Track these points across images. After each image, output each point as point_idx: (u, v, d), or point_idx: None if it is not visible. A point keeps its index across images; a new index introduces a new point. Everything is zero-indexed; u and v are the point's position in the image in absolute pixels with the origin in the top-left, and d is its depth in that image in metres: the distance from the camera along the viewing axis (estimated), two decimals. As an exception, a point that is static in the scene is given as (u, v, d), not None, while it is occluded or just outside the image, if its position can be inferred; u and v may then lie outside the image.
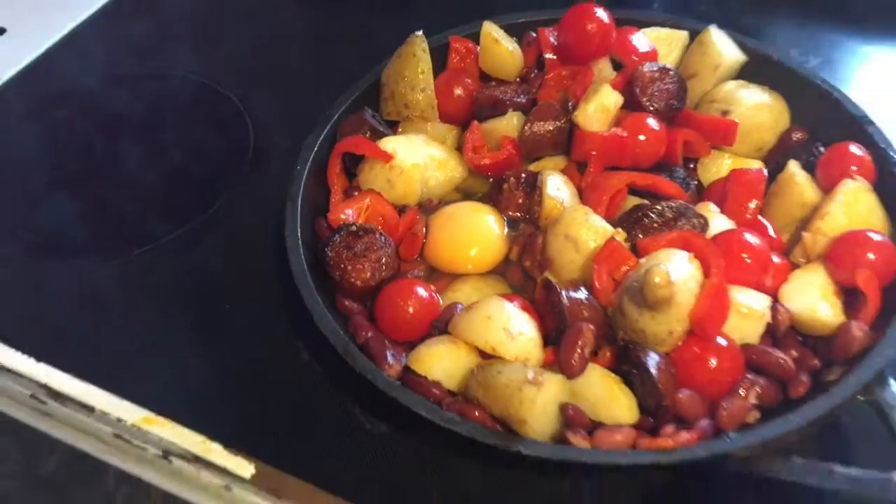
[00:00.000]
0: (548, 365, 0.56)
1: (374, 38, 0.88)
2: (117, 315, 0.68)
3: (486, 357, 0.56)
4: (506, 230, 0.65)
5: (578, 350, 0.54)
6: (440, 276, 0.65)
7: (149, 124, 0.84)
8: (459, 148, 0.71)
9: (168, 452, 0.60)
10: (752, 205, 0.65)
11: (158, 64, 0.91)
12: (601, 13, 0.72)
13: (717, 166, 0.70)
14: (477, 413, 0.53)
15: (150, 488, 0.63)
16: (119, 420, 0.61)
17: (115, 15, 0.96)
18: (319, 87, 0.82)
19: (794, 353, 0.57)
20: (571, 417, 0.52)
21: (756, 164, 0.69)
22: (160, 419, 0.60)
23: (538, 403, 0.51)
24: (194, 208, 0.74)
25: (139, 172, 0.80)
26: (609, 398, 0.54)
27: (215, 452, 0.59)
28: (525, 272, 0.64)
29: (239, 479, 0.58)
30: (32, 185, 0.80)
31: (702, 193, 0.69)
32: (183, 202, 0.76)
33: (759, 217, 0.64)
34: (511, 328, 0.55)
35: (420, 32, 0.73)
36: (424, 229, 0.65)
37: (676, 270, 0.54)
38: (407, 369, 0.56)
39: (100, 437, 0.64)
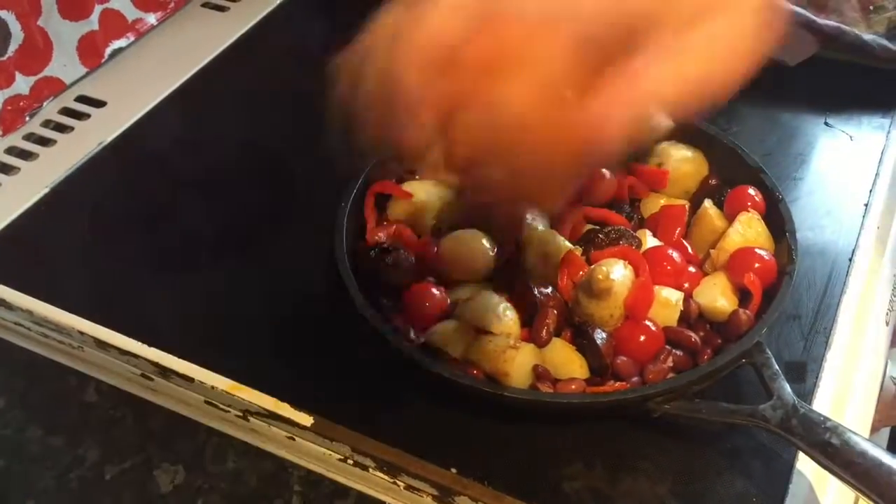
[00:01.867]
0: (524, 339, 0.78)
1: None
2: (205, 313, 0.88)
3: (481, 333, 0.78)
4: (495, 249, 0.88)
5: (546, 327, 0.76)
6: (448, 283, 0.87)
7: (215, 179, 1.05)
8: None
9: (247, 412, 0.80)
10: (677, 231, 0.87)
11: (220, 130, 1.13)
12: (566, 91, 0.96)
13: (654, 204, 0.91)
14: (475, 371, 0.75)
15: (233, 439, 0.83)
16: (212, 388, 0.81)
17: (188, 92, 1.19)
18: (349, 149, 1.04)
19: (701, 333, 0.79)
20: (540, 373, 0.74)
21: (682, 202, 0.92)
22: (243, 386, 0.79)
23: (516, 362, 0.73)
24: (260, 240, 0.96)
25: (210, 215, 1.02)
26: (567, 361, 0.75)
27: (284, 408, 0.78)
28: (510, 278, 0.86)
29: (302, 428, 0.76)
30: (129, 217, 1.02)
31: (643, 224, 0.91)
32: (250, 235, 0.98)
33: (682, 240, 0.87)
34: (499, 312, 0.77)
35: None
36: (436, 249, 0.88)
37: (615, 271, 0.77)
38: (425, 343, 0.78)
39: (192, 404, 0.85)
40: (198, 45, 1.26)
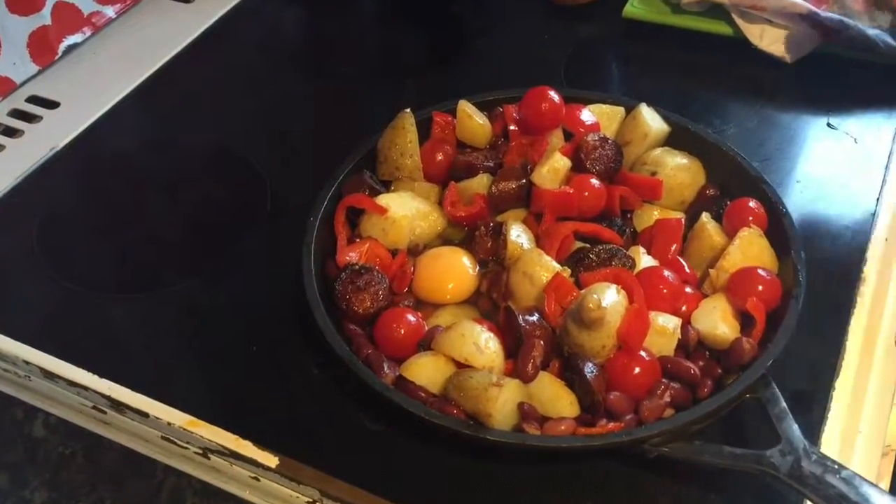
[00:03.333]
0: (508, 373, 0.71)
1: (369, 109, 1.05)
2: (164, 340, 0.82)
3: (461, 366, 0.71)
4: (477, 269, 0.81)
5: (532, 360, 0.69)
6: (425, 306, 0.79)
7: (180, 183, 0.99)
8: (440, 202, 0.87)
9: (207, 449, 0.74)
10: (673, 247, 0.81)
11: (185, 131, 1.06)
12: (553, 94, 0.88)
13: (648, 216, 0.85)
14: (454, 410, 0.68)
15: (191, 479, 0.77)
16: (169, 424, 0.75)
17: (149, 90, 1.12)
18: (323, 151, 0.96)
19: (700, 363, 0.73)
20: (526, 412, 0.68)
21: (678, 215, 0.85)
22: (201, 422, 0.74)
23: (500, 401, 0.67)
24: (223, 252, 0.89)
25: (174, 222, 0.95)
26: (556, 397, 0.69)
27: (246, 447, 0.72)
28: (493, 302, 0.79)
29: (266, 468, 0.71)
30: (83, 231, 0.95)
31: (636, 238, 0.85)
32: (213, 247, 0.91)
33: (678, 257, 0.81)
34: (480, 344, 0.71)
35: (409, 110, 0.89)
36: (412, 268, 0.81)
37: (607, 298, 0.70)
38: (399, 377, 0.71)
39: (149, 440, 0.78)
40: (159, 39, 1.19)
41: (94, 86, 1.11)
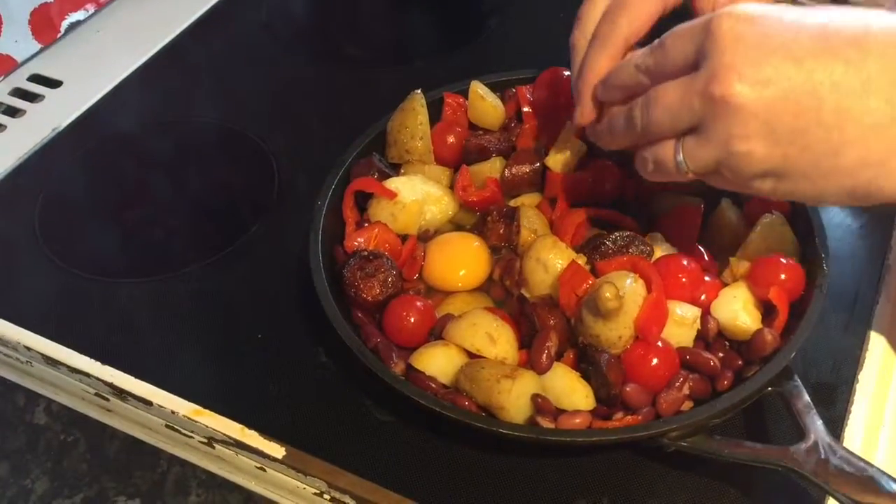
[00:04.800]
0: (522, 364, 0.69)
1: (378, 90, 1.02)
2: (168, 327, 0.80)
3: (473, 357, 0.69)
4: (489, 255, 0.79)
5: (546, 351, 0.67)
6: (436, 293, 0.77)
7: (185, 165, 0.97)
8: (452, 186, 0.85)
9: (212, 439, 0.72)
10: (691, 235, 0.78)
11: (190, 111, 1.04)
12: (568, 75, 0.85)
13: (666, 202, 0.82)
14: (466, 402, 0.66)
15: (196, 469, 0.75)
16: (173, 412, 0.73)
17: (154, 69, 1.09)
18: (332, 133, 0.94)
19: (720, 354, 0.70)
20: (540, 405, 0.65)
21: (696, 201, 0.82)
22: (206, 411, 0.72)
23: (513, 393, 0.65)
24: (230, 237, 0.87)
25: (179, 206, 0.93)
26: (570, 390, 0.67)
27: (252, 437, 0.70)
28: (505, 289, 0.76)
29: (272, 459, 0.69)
30: (85, 214, 0.93)
31: (652, 224, 0.82)
32: (219, 232, 0.89)
33: (697, 244, 0.78)
34: (492, 333, 0.68)
35: (419, 91, 0.87)
36: (423, 254, 0.79)
37: (624, 287, 0.68)
38: (409, 367, 0.69)
39: (153, 428, 0.77)
40: (165, 17, 1.16)
41: (98, 64, 1.09)
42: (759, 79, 0.53)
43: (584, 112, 0.70)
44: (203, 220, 0.91)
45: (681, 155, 0.60)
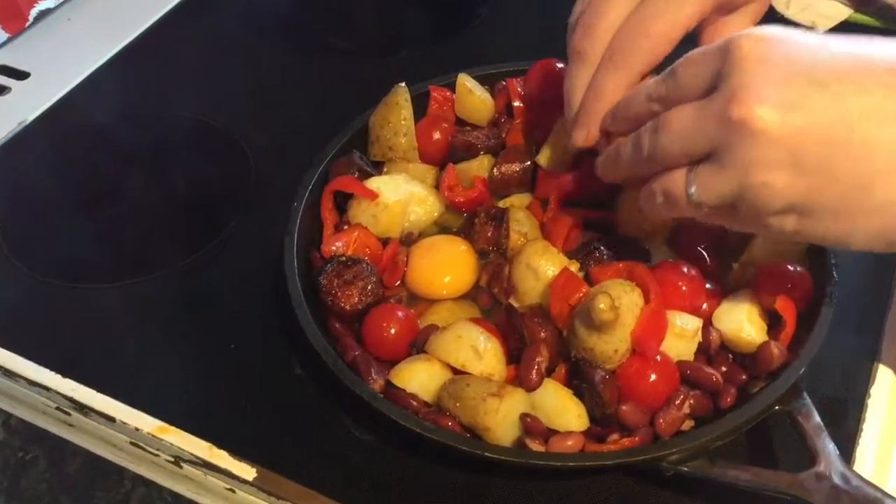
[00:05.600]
0: (510, 380, 0.64)
1: (363, 83, 0.96)
2: (135, 336, 0.75)
3: (457, 373, 0.64)
4: (476, 260, 0.74)
5: (536, 367, 0.62)
6: (419, 301, 0.72)
7: (158, 162, 0.92)
8: (437, 186, 0.79)
9: (179, 458, 0.68)
10: (699, 241, 0.73)
11: (164, 105, 0.99)
12: (562, 67, 0.80)
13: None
14: (449, 422, 0.62)
15: (162, 490, 0.71)
16: (137, 429, 0.68)
17: (128, 60, 1.04)
18: (312, 128, 0.89)
19: (723, 368, 0.66)
20: (529, 425, 0.61)
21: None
22: (172, 428, 0.68)
23: (500, 413, 0.60)
24: (202, 239, 0.82)
25: (151, 205, 0.88)
26: (562, 408, 0.62)
27: (221, 458, 0.66)
28: (493, 297, 0.72)
29: (242, 481, 0.64)
30: (52, 214, 0.88)
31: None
32: (190, 233, 0.84)
33: (701, 248, 0.73)
34: (478, 347, 0.63)
35: (403, 84, 0.81)
36: (405, 259, 0.74)
37: (620, 297, 0.63)
38: (389, 383, 0.64)
39: (117, 445, 0.72)
40: (139, 5, 1.11)
41: (67, 55, 1.04)
42: (783, 102, 0.48)
43: (589, 137, 0.64)
44: (174, 222, 0.86)
45: (693, 186, 0.53)
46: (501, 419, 0.60)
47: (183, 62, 1.05)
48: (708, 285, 0.70)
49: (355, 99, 0.85)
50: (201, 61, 1.05)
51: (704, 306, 0.68)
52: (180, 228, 0.85)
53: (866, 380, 0.70)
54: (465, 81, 0.83)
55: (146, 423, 0.68)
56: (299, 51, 1.06)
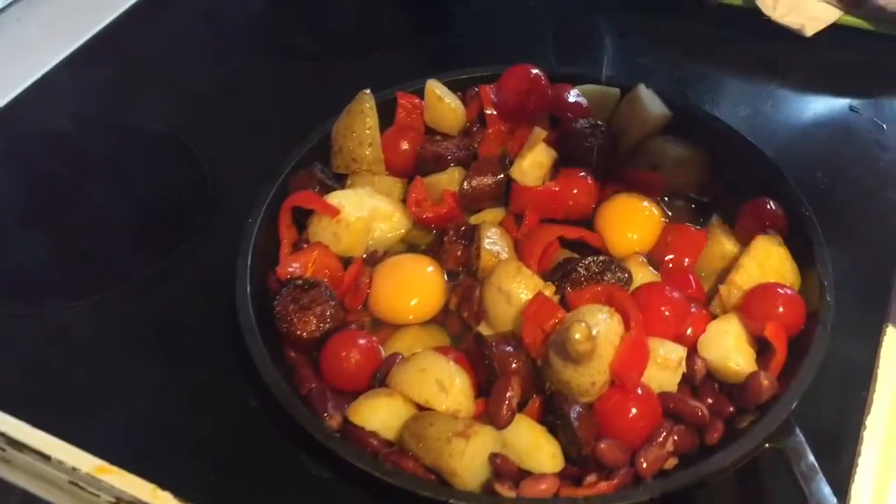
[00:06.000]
0: (479, 415, 0.59)
1: (331, 87, 0.91)
2: (73, 365, 0.70)
3: (422, 408, 0.59)
4: (445, 281, 0.69)
5: (507, 402, 0.57)
6: (383, 327, 0.67)
7: (109, 172, 0.86)
8: (405, 200, 0.74)
9: (120, 500, 0.62)
10: (687, 261, 0.68)
11: (119, 111, 0.93)
12: (537, 72, 0.76)
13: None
14: (411, 464, 0.56)
15: (103, 532, 0.65)
16: (74, 469, 0.63)
17: (80, 63, 0.98)
18: (275, 136, 0.84)
19: (709, 400, 0.61)
20: (499, 467, 0.56)
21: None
22: (113, 468, 0.62)
23: (467, 455, 0.55)
24: (151, 258, 0.76)
25: (98, 220, 0.82)
26: (535, 447, 0.57)
27: (164, 500, 0.61)
28: (463, 322, 0.67)
29: None
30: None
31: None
32: (139, 251, 0.78)
33: (686, 271, 0.68)
34: (444, 381, 0.58)
35: (368, 91, 0.76)
36: (368, 280, 0.69)
37: (597, 325, 0.58)
38: (347, 420, 0.59)
39: (56, 484, 0.66)
40: (94, 4, 1.04)
41: (17, 57, 0.98)
42: None
43: None
44: (122, 239, 0.80)
45: None
46: (468, 462, 0.55)
47: (139, 65, 0.99)
48: (693, 308, 0.65)
49: (323, 104, 0.79)
50: (158, 64, 1.00)
51: (689, 331, 0.64)
52: (127, 247, 0.79)
53: (861, 409, 0.65)
54: (435, 88, 0.78)
55: (85, 461, 0.63)
56: (264, 52, 1.01)
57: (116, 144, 0.89)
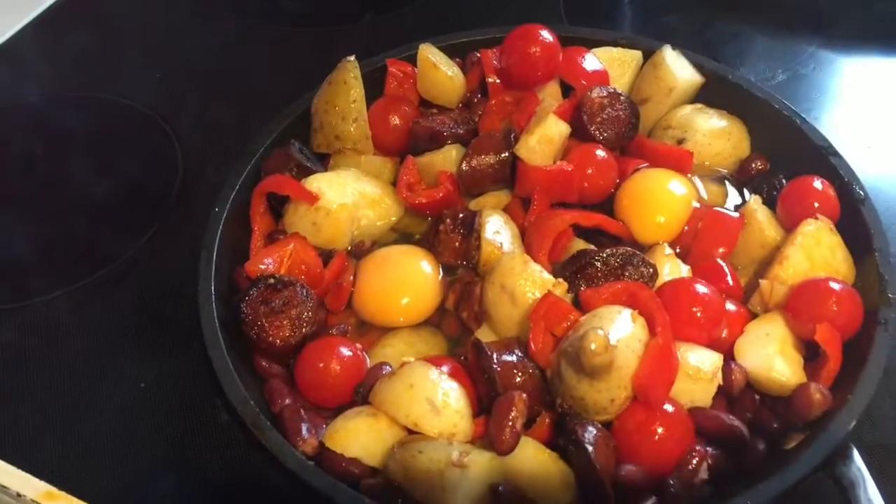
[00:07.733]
0: (478, 439, 0.51)
1: (318, 54, 0.83)
2: (19, 378, 0.62)
3: (411, 431, 0.50)
4: (441, 276, 0.60)
5: (510, 424, 0.48)
6: (370, 330, 0.59)
7: (70, 153, 0.78)
8: (395, 183, 0.66)
9: (69, 526, 0.55)
10: (721, 251, 0.59)
11: (82, 84, 0.85)
12: (546, 35, 0.66)
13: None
14: (400, 499, 0.48)
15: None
16: (19, 494, 0.56)
17: (40, 32, 0.90)
18: (257, 110, 0.75)
19: (748, 415, 0.52)
20: (502, 500, 0.47)
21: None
22: (62, 494, 0.55)
23: (462, 489, 0.46)
24: (115, 248, 0.69)
25: (63, 204, 0.74)
26: (543, 473, 0.49)
27: None
28: (462, 323, 0.58)
29: None
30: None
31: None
32: (104, 241, 0.70)
33: (720, 261, 0.59)
34: (436, 400, 0.50)
35: (352, 58, 0.67)
36: (352, 277, 0.60)
37: (617, 332, 0.49)
38: (322, 445, 0.51)
39: (3, 509, 0.59)
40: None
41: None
42: None
43: None
44: (81, 229, 0.72)
45: None
46: (464, 496, 0.46)
47: (105, 33, 0.92)
48: (730, 305, 0.56)
49: (310, 73, 0.70)
50: (127, 31, 0.92)
51: (724, 333, 0.55)
52: (85, 238, 0.71)
53: (927, 422, 0.56)
54: (429, 54, 0.68)
55: (30, 486, 0.56)
56: (245, 16, 0.92)
57: (79, 121, 0.82)
